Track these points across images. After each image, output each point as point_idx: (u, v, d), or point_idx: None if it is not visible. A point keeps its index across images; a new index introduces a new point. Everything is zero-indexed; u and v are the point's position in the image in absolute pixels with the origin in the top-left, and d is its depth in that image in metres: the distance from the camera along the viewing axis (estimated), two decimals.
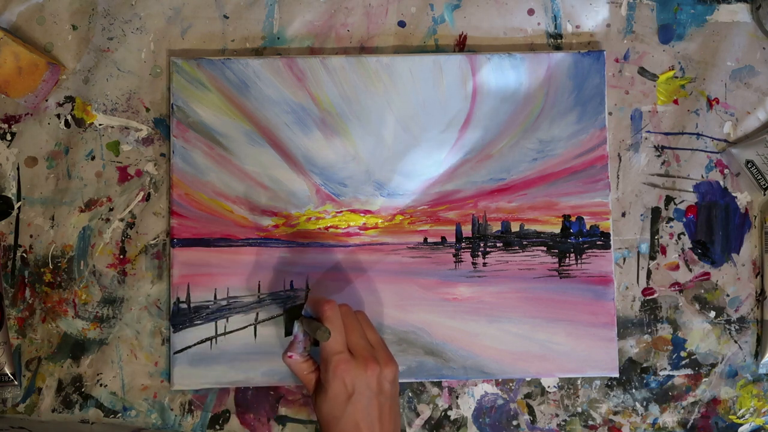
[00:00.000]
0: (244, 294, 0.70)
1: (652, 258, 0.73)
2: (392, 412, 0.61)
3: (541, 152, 0.71)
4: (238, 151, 0.71)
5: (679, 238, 0.73)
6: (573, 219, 0.71)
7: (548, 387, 0.72)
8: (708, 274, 0.73)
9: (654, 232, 0.73)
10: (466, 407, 0.72)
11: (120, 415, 0.70)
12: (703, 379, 0.72)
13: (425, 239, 0.71)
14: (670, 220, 0.73)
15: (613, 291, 0.71)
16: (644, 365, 0.72)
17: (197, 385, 0.70)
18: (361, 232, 0.71)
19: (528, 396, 0.72)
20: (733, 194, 0.73)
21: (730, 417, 0.72)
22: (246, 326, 0.70)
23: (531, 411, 0.72)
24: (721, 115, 0.74)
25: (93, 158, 0.72)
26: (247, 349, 0.70)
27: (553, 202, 0.71)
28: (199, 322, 0.70)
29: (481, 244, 0.71)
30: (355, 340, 0.61)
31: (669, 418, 0.72)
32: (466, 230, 0.71)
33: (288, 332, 0.64)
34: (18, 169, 0.72)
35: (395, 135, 0.71)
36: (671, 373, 0.72)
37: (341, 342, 0.60)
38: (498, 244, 0.71)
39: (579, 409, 0.72)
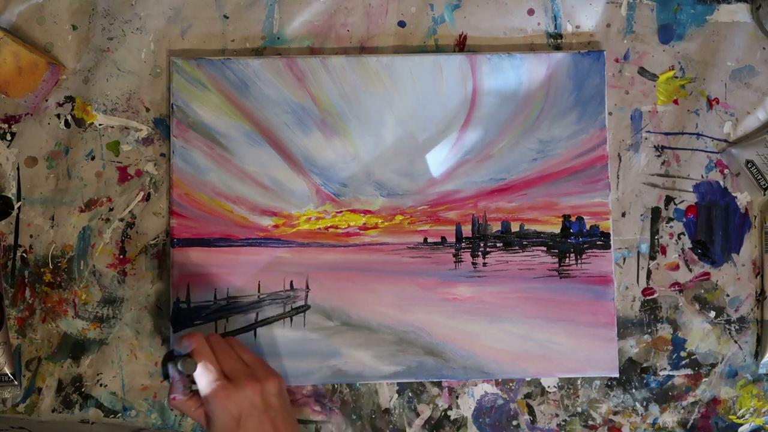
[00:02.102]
0: (244, 294, 0.70)
1: (652, 258, 0.73)
2: (287, 424, 0.60)
3: (541, 152, 0.72)
4: (238, 151, 0.71)
5: (679, 238, 0.73)
6: (573, 219, 0.71)
7: (548, 387, 0.72)
8: (708, 274, 0.73)
9: (654, 232, 0.73)
10: (466, 407, 0.72)
11: (120, 415, 0.70)
12: (703, 379, 0.72)
13: (425, 239, 0.71)
14: (670, 220, 0.73)
15: (613, 291, 0.71)
16: (644, 365, 0.72)
17: None
18: (361, 232, 0.71)
19: (528, 396, 0.72)
20: (733, 194, 0.73)
21: (730, 417, 0.72)
22: (246, 328, 0.70)
23: (531, 411, 0.72)
24: (721, 115, 0.74)
25: (93, 158, 0.72)
26: None
27: (553, 202, 0.71)
28: (199, 322, 0.70)
29: (481, 244, 0.71)
30: (230, 364, 0.61)
31: (669, 418, 0.72)
32: (466, 230, 0.71)
33: (165, 376, 0.64)
34: (18, 169, 0.72)
35: (395, 135, 0.71)
36: (671, 373, 0.72)
37: (214, 370, 0.60)
38: (498, 244, 0.71)
39: (579, 409, 0.72)
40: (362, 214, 0.71)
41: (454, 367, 0.70)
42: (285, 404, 0.61)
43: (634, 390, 0.72)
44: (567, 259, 0.71)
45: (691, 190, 0.73)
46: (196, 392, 0.62)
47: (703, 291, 0.73)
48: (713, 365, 0.72)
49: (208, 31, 0.73)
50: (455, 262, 0.71)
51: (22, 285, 0.71)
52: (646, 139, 0.73)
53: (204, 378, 0.60)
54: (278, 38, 0.73)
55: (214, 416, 0.59)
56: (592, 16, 0.73)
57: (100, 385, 0.70)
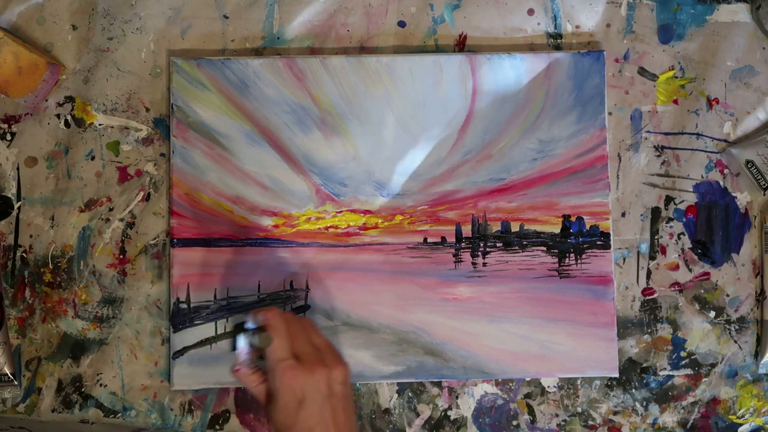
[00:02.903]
0: (244, 294, 0.70)
1: (652, 258, 0.73)
2: (346, 414, 0.60)
3: (541, 152, 0.72)
4: (238, 151, 0.71)
5: (679, 238, 0.73)
6: (573, 219, 0.71)
7: (548, 387, 0.72)
8: (708, 274, 0.73)
9: (654, 232, 0.73)
10: (466, 407, 0.72)
11: (120, 415, 0.70)
12: (703, 379, 0.72)
13: (425, 239, 0.71)
14: (670, 220, 0.73)
15: (613, 291, 0.71)
16: (644, 365, 0.72)
17: (197, 385, 0.70)
18: (361, 232, 0.71)
19: (528, 396, 0.72)
20: (733, 194, 0.73)
21: (730, 417, 0.72)
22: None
23: (531, 411, 0.72)
24: (721, 115, 0.74)
25: (93, 158, 0.72)
26: None
27: (553, 202, 0.72)
28: (199, 322, 0.70)
29: (481, 244, 0.71)
30: (301, 346, 0.61)
31: (669, 418, 0.72)
32: (466, 230, 0.71)
33: (234, 348, 0.64)
34: (18, 169, 0.72)
35: (395, 135, 0.71)
36: (671, 373, 0.72)
37: (286, 348, 0.60)
38: (498, 244, 0.71)
39: (579, 409, 0.72)
40: (362, 214, 0.71)
41: (454, 367, 0.70)
42: (348, 394, 0.61)
43: (634, 390, 0.72)
44: (567, 259, 0.71)
45: (691, 190, 0.73)
46: (260, 368, 0.62)
47: (703, 291, 0.73)
48: (713, 365, 0.72)
49: (208, 31, 0.73)
50: (455, 262, 0.71)
51: (22, 285, 0.71)
52: (646, 139, 0.73)
53: (275, 354, 0.60)
54: (278, 38, 0.73)
55: (278, 394, 0.59)
56: (592, 16, 0.73)
57: (100, 385, 0.70)
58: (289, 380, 0.59)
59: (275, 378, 0.59)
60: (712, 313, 0.73)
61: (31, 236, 0.71)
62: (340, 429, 0.59)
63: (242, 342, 0.62)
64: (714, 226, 0.73)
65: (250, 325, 0.63)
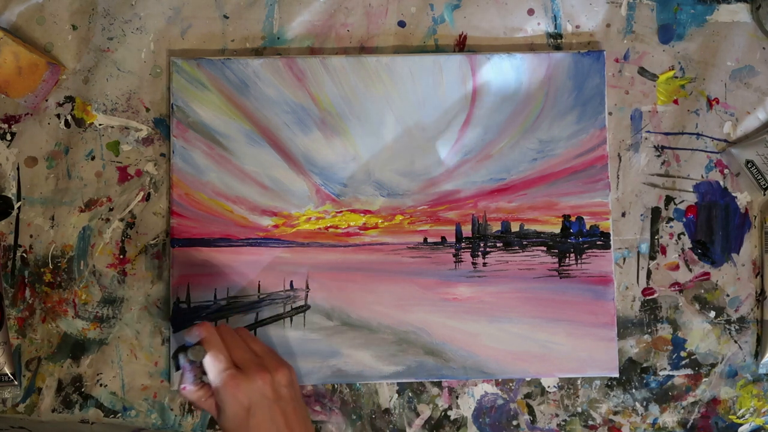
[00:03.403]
0: (244, 294, 0.70)
1: (652, 258, 0.73)
2: (298, 415, 0.60)
3: (541, 152, 0.72)
4: (238, 151, 0.71)
5: (679, 238, 0.73)
6: (573, 219, 0.71)
7: (548, 387, 0.72)
8: (708, 274, 0.73)
9: (654, 232, 0.73)
10: (466, 407, 0.72)
11: (120, 415, 0.70)
12: (703, 379, 0.72)
13: (425, 239, 0.71)
14: (670, 220, 0.73)
15: (613, 291, 0.71)
16: (644, 365, 0.72)
17: None
18: (361, 232, 0.71)
19: (528, 396, 0.72)
20: (733, 194, 0.73)
21: (730, 417, 0.72)
22: (246, 327, 0.70)
23: (531, 411, 0.72)
24: (721, 115, 0.74)
25: (93, 158, 0.72)
26: None
27: (553, 202, 0.71)
28: (199, 322, 0.69)
29: (481, 244, 0.71)
30: (240, 354, 0.61)
31: (669, 418, 0.72)
32: (466, 230, 0.71)
33: (177, 367, 0.64)
34: (18, 169, 0.72)
35: (395, 135, 0.71)
36: (671, 373, 0.72)
37: (224, 359, 0.60)
38: (498, 244, 0.71)
39: (579, 409, 0.72)
40: (362, 214, 0.71)
41: (454, 367, 0.70)
42: (296, 395, 0.61)
43: (634, 390, 0.72)
44: (567, 259, 0.71)
45: (691, 190, 0.73)
46: (206, 383, 0.62)
47: (703, 291, 0.73)
48: (713, 365, 0.72)
49: (208, 31, 0.73)
50: (455, 262, 0.71)
51: (22, 285, 0.71)
52: (646, 139, 0.73)
53: (214, 367, 0.59)
54: (278, 38, 0.73)
55: (225, 406, 0.59)
56: (592, 16, 0.73)
57: (100, 385, 0.70)
58: (232, 390, 0.58)
59: (219, 390, 0.59)
60: (712, 313, 0.73)
61: (31, 236, 0.71)
62: (294, 431, 0.59)
63: (182, 360, 0.62)
64: (714, 226, 0.73)
65: (188, 341, 0.62)
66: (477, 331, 0.70)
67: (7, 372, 0.69)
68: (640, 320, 0.72)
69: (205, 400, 0.62)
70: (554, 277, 0.71)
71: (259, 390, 0.59)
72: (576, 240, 0.71)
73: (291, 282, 0.70)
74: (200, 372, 0.62)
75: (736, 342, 0.72)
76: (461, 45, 0.73)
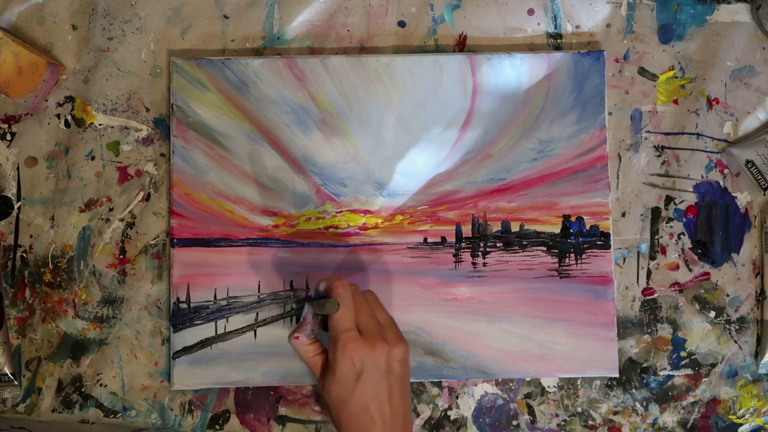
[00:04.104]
0: (244, 294, 0.70)
1: (652, 258, 0.73)
2: (402, 393, 0.60)
3: (541, 152, 0.72)
4: (238, 151, 0.71)
5: (679, 238, 0.73)
6: (573, 219, 0.71)
7: (548, 387, 0.72)
8: (708, 274, 0.73)
9: (654, 232, 0.73)
10: (466, 407, 0.72)
11: (120, 415, 0.70)
12: (703, 379, 0.72)
13: (425, 239, 0.71)
14: (670, 220, 0.73)
15: (613, 291, 0.71)
16: (644, 365, 0.72)
17: (197, 385, 0.70)
18: (361, 232, 0.71)
19: (528, 396, 0.72)
20: (733, 194, 0.73)
21: (730, 417, 0.72)
22: (245, 328, 0.70)
23: (531, 411, 0.72)
24: (721, 115, 0.74)
25: (93, 158, 0.72)
26: (247, 349, 0.70)
27: (553, 202, 0.71)
28: (199, 322, 0.70)
29: (481, 244, 0.71)
30: (364, 319, 0.60)
31: (669, 418, 0.72)
32: (466, 230, 0.71)
33: (299, 318, 0.63)
34: (18, 169, 0.72)
35: (395, 135, 0.71)
36: (671, 373, 0.72)
37: (350, 319, 0.59)
38: (498, 244, 0.71)
39: (579, 409, 0.72)
40: (362, 214, 0.71)
41: (454, 367, 0.70)
42: (405, 373, 0.61)
43: (634, 390, 0.72)
44: (567, 259, 0.71)
45: (691, 190, 0.73)
46: (317, 340, 0.62)
47: (703, 291, 0.73)
48: (713, 365, 0.72)
49: (208, 31, 0.73)
50: (455, 262, 0.71)
51: (22, 285, 0.71)
52: (646, 139, 0.73)
53: (339, 324, 0.59)
54: (278, 38, 0.73)
55: (337, 365, 0.58)
56: (592, 16, 0.73)
57: (100, 385, 0.70)
58: (350, 352, 0.58)
59: (336, 348, 0.59)
60: (712, 313, 0.73)
61: (31, 236, 0.71)
62: (394, 408, 0.59)
63: (306, 310, 0.61)
64: (714, 226, 0.73)
65: (316, 292, 0.62)
66: (477, 331, 0.70)
67: (7, 372, 0.69)
68: (640, 320, 0.72)
69: (312, 356, 0.61)
70: (554, 277, 0.71)
71: (375, 359, 0.59)
72: (576, 240, 0.71)
73: (291, 282, 0.70)
74: (319, 328, 0.61)
75: (736, 342, 0.72)
76: (461, 45, 0.73)
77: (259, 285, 0.70)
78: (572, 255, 0.71)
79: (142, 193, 0.72)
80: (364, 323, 0.60)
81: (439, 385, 0.72)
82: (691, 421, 0.72)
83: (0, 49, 0.68)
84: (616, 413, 0.72)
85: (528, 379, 0.72)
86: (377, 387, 0.58)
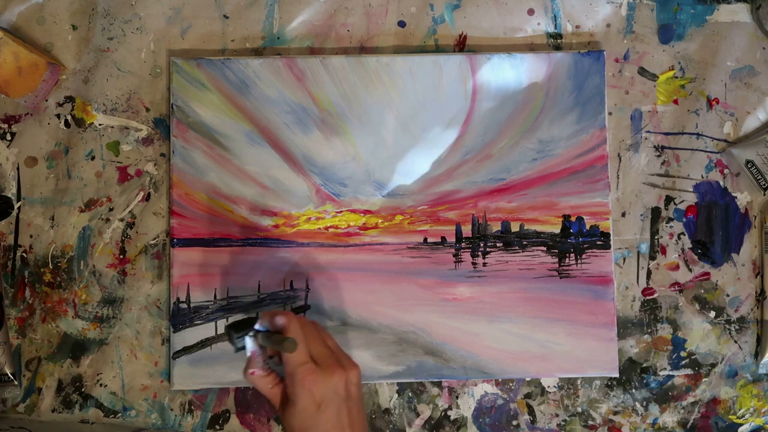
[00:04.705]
0: (244, 294, 0.70)
1: (652, 258, 0.73)
2: (360, 414, 0.60)
3: (541, 152, 0.72)
4: (238, 151, 0.71)
5: (679, 238, 0.73)
6: (573, 219, 0.71)
7: (548, 387, 0.72)
8: (708, 274, 0.73)
9: (654, 232, 0.73)
10: (466, 407, 0.72)
11: (120, 415, 0.70)
12: (703, 379, 0.72)
13: (425, 239, 0.71)
14: (670, 220, 0.73)
15: (613, 291, 0.71)
16: (644, 365, 0.72)
17: (197, 385, 0.70)
18: (361, 232, 0.71)
19: (528, 396, 0.72)
20: (733, 194, 0.73)
21: (730, 417, 0.72)
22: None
23: (531, 411, 0.72)
24: (721, 115, 0.74)
25: (93, 158, 0.72)
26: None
27: (553, 202, 0.71)
28: (199, 322, 0.70)
29: (481, 244, 0.71)
30: (318, 349, 0.60)
31: (669, 418, 0.72)
32: (466, 230, 0.71)
33: (237, 347, 0.63)
34: (18, 169, 0.72)
35: (395, 135, 0.71)
36: (671, 373, 0.72)
37: (304, 353, 0.59)
38: (498, 244, 0.71)
39: (579, 409, 0.72)
40: (362, 214, 0.71)
41: (454, 367, 0.70)
42: (361, 395, 0.61)
43: (634, 390, 0.72)
44: (567, 259, 0.71)
45: (691, 190, 0.73)
46: (273, 370, 0.62)
47: (703, 291, 0.73)
48: (713, 365, 0.72)
49: (208, 31, 0.73)
50: (455, 262, 0.71)
51: (22, 285, 0.71)
52: (646, 139, 0.73)
53: (293, 359, 0.59)
54: (278, 38, 0.73)
55: (297, 398, 0.58)
56: (592, 16, 0.73)
57: (100, 385, 0.70)
58: (309, 385, 0.58)
59: (294, 383, 0.59)
60: (712, 313, 0.73)
61: (31, 236, 0.71)
62: (355, 430, 0.59)
63: (252, 344, 0.61)
64: (714, 226, 0.73)
65: (260, 327, 0.62)
66: (477, 331, 0.70)
67: (7, 372, 0.69)
68: (640, 320, 0.72)
69: (271, 388, 0.61)
70: (554, 277, 0.71)
71: (333, 387, 0.59)
72: (576, 240, 0.71)
73: (291, 282, 0.70)
74: (268, 358, 0.61)
75: (736, 342, 0.72)
76: (461, 45, 0.73)
77: (259, 285, 0.70)
78: (572, 255, 0.71)
79: (142, 193, 0.72)
80: (317, 353, 0.60)
81: (439, 385, 0.72)
82: (691, 421, 0.72)
83: (0, 49, 0.68)
84: (616, 413, 0.72)
85: (528, 379, 0.72)
86: (338, 414, 0.59)
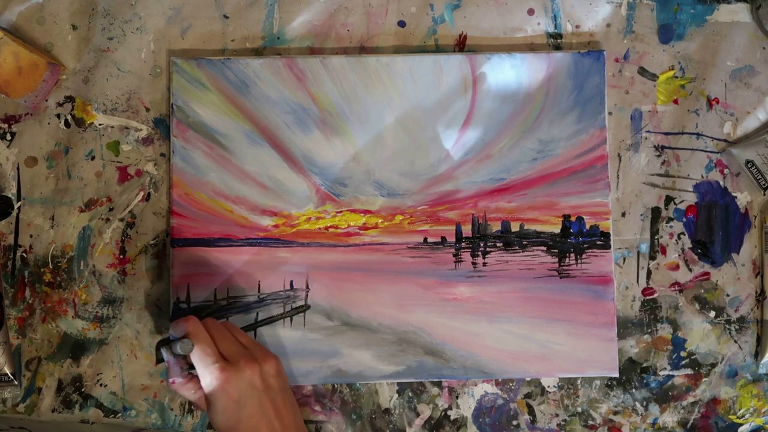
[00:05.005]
0: (244, 294, 0.70)
1: (652, 258, 0.73)
2: (287, 405, 0.60)
3: (541, 152, 0.72)
4: (238, 151, 0.71)
5: (679, 238, 0.73)
6: (573, 219, 0.71)
7: (548, 387, 0.72)
8: (708, 274, 0.73)
9: (654, 232, 0.73)
10: (466, 407, 0.72)
11: (120, 415, 0.70)
12: (703, 379, 0.72)
13: (425, 239, 0.71)
14: (670, 220, 0.73)
15: (613, 291, 0.71)
16: (644, 365, 0.72)
17: None
18: (361, 232, 0.71)
19: (528, 396, 0.72)
20: (733, 194, 0.73)
21: (730, 417, 0.72)
22: (245, 328, 0.70)
23: (531, 411, 0.72)
24: (721, 115, 0.74)
25: (93, 158, 0.72)
26: None
27: (553, 202, 0.72)
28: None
29: (481, 244, 0.71)
30: (227, 346, 0.60)
31: (669, 418, 0.72)
32: (466, 230, 0.71)
33: (158, 360, 0.64)
34: (18, 169, 0.72)
35: (395, 135, 0.71)
36: (671, 373, 0.72)
37: (212, 352, 0.59)
38: (498, 244, 0.71)
39: (579, 409, 0.72)
40: (362, 214, 0.71)
41: (454, 367, 0.70)
42: (284, 385, 0.61)
43: (634, 390, 0.72)
44: (567, 259, 0.71)
45: (691, 190, 0.73)
46: (195, 376, 0.62)
47: (703, 291, 0.73)
48: (713, 365, 0.72)
49: (208, 31, 0.73)
50: (455, 262, 0.71)
51: (22, 285, 0.71)
52: (646, 139, 0.73)
53: (202, 361, 0.59)
54: (278, 38, 0.73)
55: (215, 398, 0.58)
56: (592, 16, 0.73)
57: (100, 385, 0.70)
58: (222, 383, 0.58)
59: (208, 383, 0.59)
60: (712, 313, 0.73)
61: (31, 236, 0.71)
62: (284, 422, 0.59)
63: (165, 354, 0.62)
64: (714, 226, 0.73)
65: (172, 335, 0.62)
66: (477, 331, 0.70)
67: (7, 372, 0.69)
68: (640, 320, 0.72)
69: (194, 393, 0.61)
70: (554, 277, 0.71)
71: (248, 381, 0.59)
72: (576, 240, 0.71)
73: (291, 282, 0.70)
74: (186, 364, 0.62)
75: (736, 342, 0.72)
76: (461, 45, 0.73)
77: (259, 285, 0.70)
78: (572, 255, 0.71)
79: (142, 193, 0.72)
80: (228, 350, 0.60)
81: (439, 385, 0.72)
82: (691, 421, 0.72)
83: (0, 49, 0.68)
84: (616, 413, 0.72)
85: (528, 379, 0.72)
86: (260, 407, 0.58)
